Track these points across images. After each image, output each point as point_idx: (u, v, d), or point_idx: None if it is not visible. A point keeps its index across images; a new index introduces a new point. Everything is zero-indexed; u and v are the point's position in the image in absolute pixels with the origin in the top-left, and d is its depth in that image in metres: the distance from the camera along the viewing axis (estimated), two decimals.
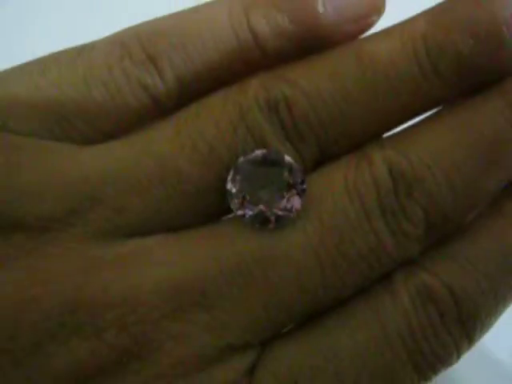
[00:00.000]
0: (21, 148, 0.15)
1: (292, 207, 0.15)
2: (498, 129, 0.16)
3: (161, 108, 0.16)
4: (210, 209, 0.15)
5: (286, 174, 0.15)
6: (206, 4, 0.17)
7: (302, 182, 0.15)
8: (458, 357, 0.15)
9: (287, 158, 0.15)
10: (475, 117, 0.16)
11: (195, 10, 0.17)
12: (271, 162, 0.15)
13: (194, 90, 0.17)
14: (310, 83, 0.16)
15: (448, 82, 0.16)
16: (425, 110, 0.16)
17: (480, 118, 0.16)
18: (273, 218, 0.15)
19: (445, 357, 0.15)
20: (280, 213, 0.15)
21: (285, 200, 0.15)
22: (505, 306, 0.16)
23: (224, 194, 0.15)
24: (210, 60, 0.16)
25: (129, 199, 0.14)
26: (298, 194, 0.15)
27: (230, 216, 0.15)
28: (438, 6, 0.16)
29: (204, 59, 0.16)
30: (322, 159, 0.16)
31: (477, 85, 0.16)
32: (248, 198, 0.15)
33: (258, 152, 0.15)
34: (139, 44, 0.16)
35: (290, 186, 0.15)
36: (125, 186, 0.14)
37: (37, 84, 0.15)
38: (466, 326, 0.15)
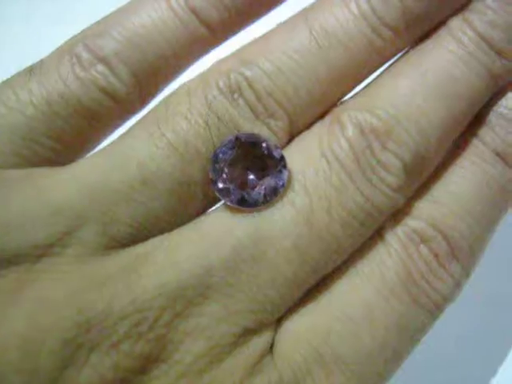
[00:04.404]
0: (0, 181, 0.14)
1: (276, 184, 0.15)
2: (447, 65, 0.16)
3: (125, 107, 0.16)
4: (199, 202, 0.15)
5: (263, 152, 0.15)
6: None
7: (282, 158, 0.15)
8: (460, 289, 0.16)
9: (261, 137, 0.15)
10: (426, 58, 0.17)
11: (134, 3, 0.17)
12: (247, 144, 0.15)
13: (153, 82, 0.17)
14: (267, 61, 0.16)
15: (398, 32, 0.16)
16: (382, 64, 0.17)
17: (430, 58, 0.17)
18: (260, 198, 0.15)
19: (447, 292, 0.16)
20: (266, 191, 0.15)
21: (268, 178, 0.15)
22: (491, 232, 0.17)
23: (209, 184, 0.15)
24: (160, 49, 0.17)
25: (116, 209, 0.14)
26: (279, 170, 0.15)
27: (220, 205, 0.16)
28: None
29: (154, 49, 0.16)
30: (295, 131, 0.16)
31: (427, 31, 0.17)
32: (232, 183, 0.15)
33: (232, 137, 0.15)
34: (87, 49, 0.16)
35: (270, 164, 0.15)
36: (110, 197, 0.14)
37: None
38: (460, 259, 0.16)
